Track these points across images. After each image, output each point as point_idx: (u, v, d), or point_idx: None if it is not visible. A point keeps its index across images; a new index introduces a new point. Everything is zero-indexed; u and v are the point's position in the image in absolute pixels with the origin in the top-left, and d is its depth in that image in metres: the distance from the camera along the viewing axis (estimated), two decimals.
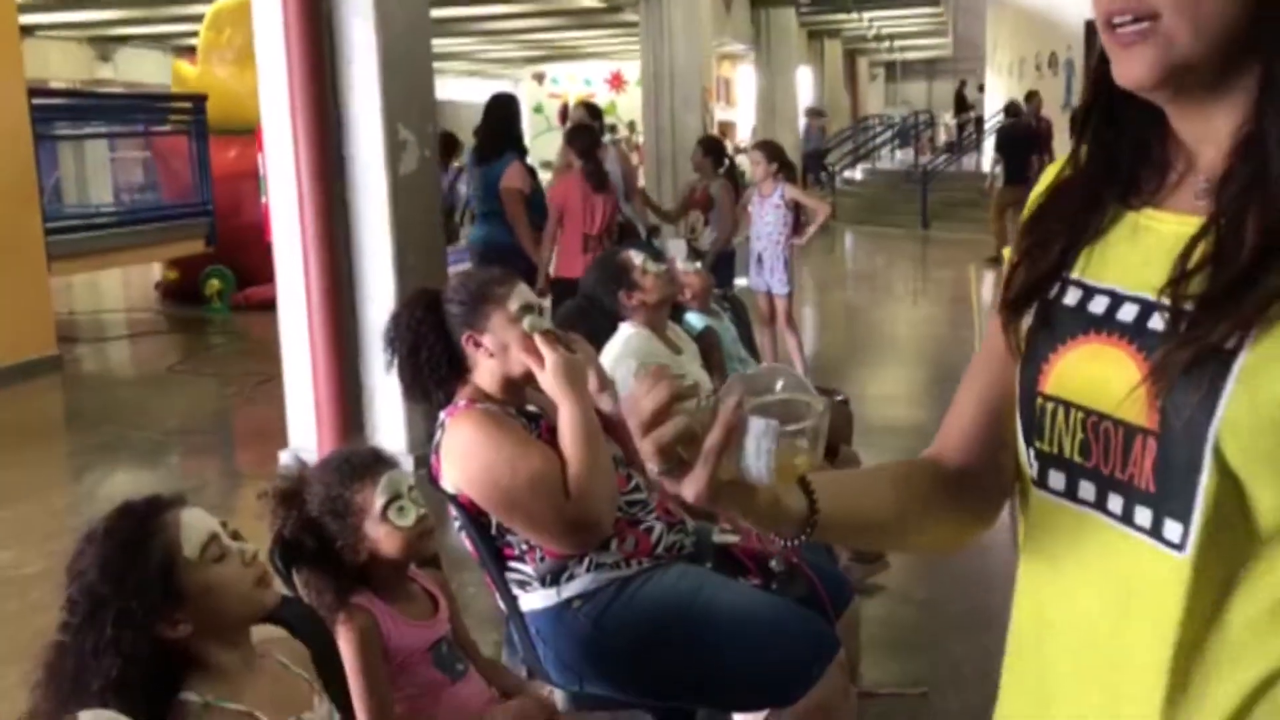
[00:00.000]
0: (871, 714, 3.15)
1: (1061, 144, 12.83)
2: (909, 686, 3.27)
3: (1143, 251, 0.88)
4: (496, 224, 6.51)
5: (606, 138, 7.92)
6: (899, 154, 22.85)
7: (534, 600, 2.24)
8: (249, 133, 9.24)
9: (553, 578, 2.21)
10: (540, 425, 2.27)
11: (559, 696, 2.23)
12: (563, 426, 2.18)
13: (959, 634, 3.61)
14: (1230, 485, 0.82)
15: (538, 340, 2.21)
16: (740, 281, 7.31)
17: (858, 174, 21.52)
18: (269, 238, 5.52)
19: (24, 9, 8.58)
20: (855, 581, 3.27)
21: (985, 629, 3.36)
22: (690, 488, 0.85)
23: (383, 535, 1.94)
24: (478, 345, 2.25)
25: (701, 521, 2.49)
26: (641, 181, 9.19)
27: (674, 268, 3.61)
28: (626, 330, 3.26)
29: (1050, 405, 0.91)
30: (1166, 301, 0.84)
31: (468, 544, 2.32)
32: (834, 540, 1.10)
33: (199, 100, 10.63)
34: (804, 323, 10.71)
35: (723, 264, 7.13)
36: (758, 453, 0.83)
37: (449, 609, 2.06)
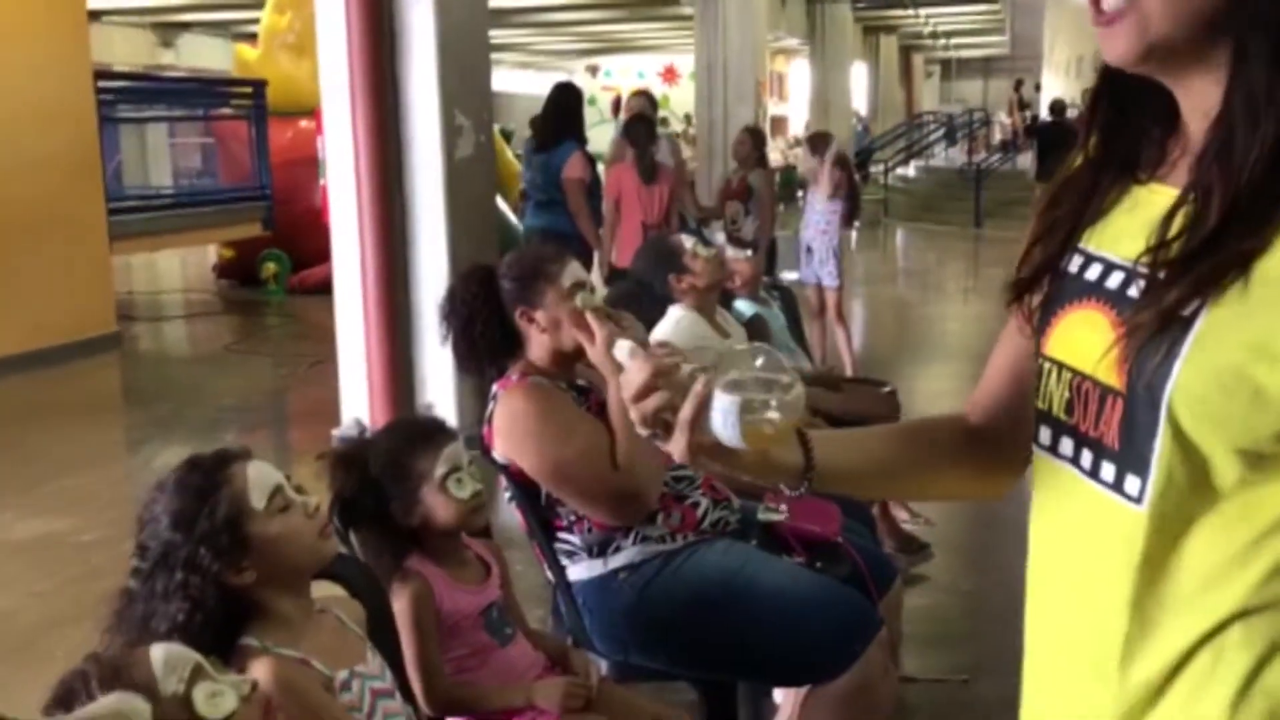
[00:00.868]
0: (912, 699, 3.17)
1: None
2: (950, 674, 3.29)
3: (1138, 222, 0.92)
4: (558, 212, 6.53)
5: (660, 130, 7.97)
6: (952, 152, 22.70)
7: (581, 570, 2.29)
8: (308, 115, 9.38)
9: (599, 549, 2.26)
10: (590, 399, 2.32)
11: (603, 666, 2.28)
12: (612, 400, 2.23)
13: (1001, 624, 3.58)
14: (1183, 446, 0.87)
15: (589, 316, 2.26)
16: (790, 275, 7.32)
17: (910, 171, 21.41)
18: (326, 218, 5.61)
19: None
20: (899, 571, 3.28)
21: None
22: (674, 449, 0.98)
23: (439, 504, 1.99)
24: (530, 320, 2.31)
25: (747, 499, 2.53)
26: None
27: (724, 254, 3.64)
28: (676, 313, 3.30)
29: (1048, 365, 0.97)
30: (1143, 269, 0.88)
31: (517, 514, 2.37)
32: (845, 490, 1.15)
33: (259, 85, 10.80)
34: (855, 317, 10.70)
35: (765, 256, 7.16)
36: (724, 423, 0.95)
37: (500, 576, 2.12)
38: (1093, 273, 0.95)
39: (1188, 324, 0.85)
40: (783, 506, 2.49)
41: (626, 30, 22.80)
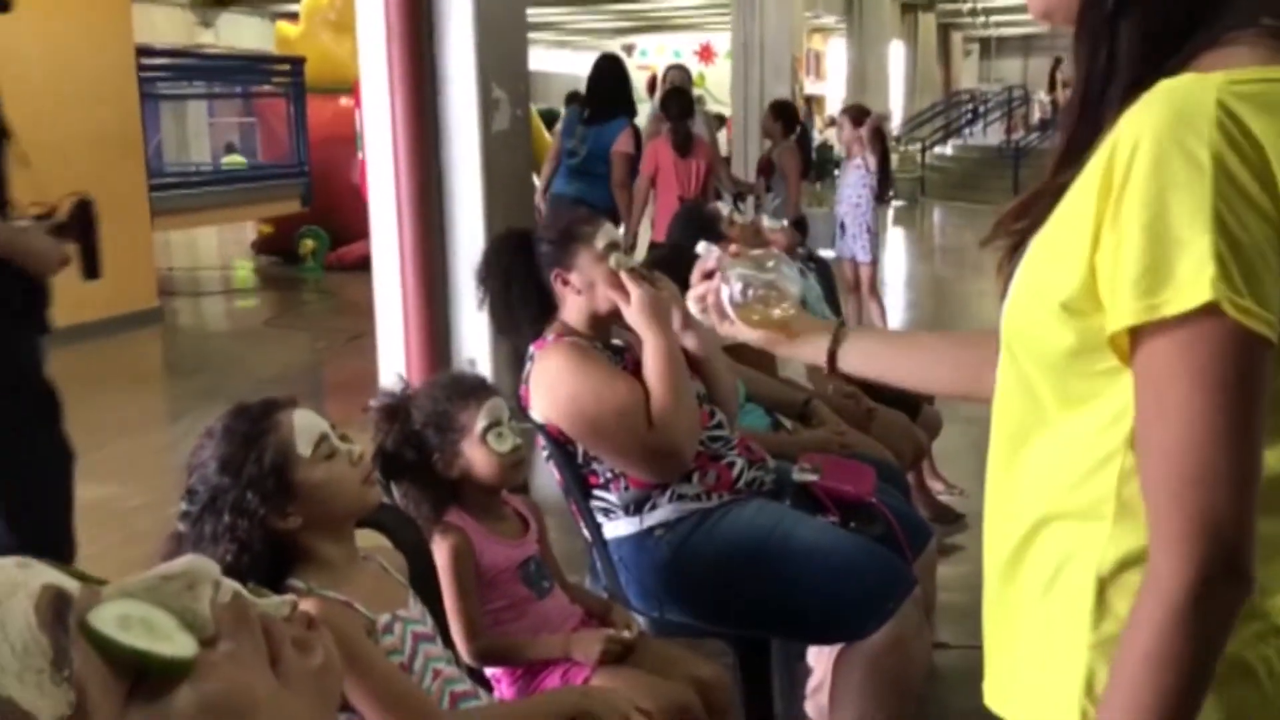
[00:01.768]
0: (945, 665, 3.18)
1: None
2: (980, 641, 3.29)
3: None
4: (593, 183, 6.47)
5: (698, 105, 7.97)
6: (991, 130, 22.50)
7: (617, 528, 2.32)
8: (348, 92, 9.44)
9: (636, 506, 2.29)
10: (625, 358, 2.35)
11: (640, 622, 2.30)
12: (647, 358, 2.25)
13: None
14: (1013, 363, 1.06)
15: (624, 276, 2.28)
16: (827, 252, 7.32)
17: (948, 149, 21.24)
18: (364, 195, 5.66)
19: None
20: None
21: None
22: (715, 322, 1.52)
23: (479, 457, 2.03)
24: (566, 283, 2.33)
25: (782, 461, 2.55)
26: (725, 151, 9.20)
27: (760, 223, 3.65)
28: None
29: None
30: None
31: (554, 475, 2.40)
32: (872, 370, 1.44)
33: (297, 63, 10.87)
34: (893, 293, 10.67)
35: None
36: (729, 300, 1.45)
37: (538, 531, 2.15)
38: None
39: (1023, 254, 1.04)
40: (816, 466, 2.51)
41: (663, 8, 22.73)
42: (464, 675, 1.79)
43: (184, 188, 10.34)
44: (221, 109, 13.38)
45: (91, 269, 2.88)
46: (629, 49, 28.87)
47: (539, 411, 2.29)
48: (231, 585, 0.65)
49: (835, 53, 24.74)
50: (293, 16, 12.68)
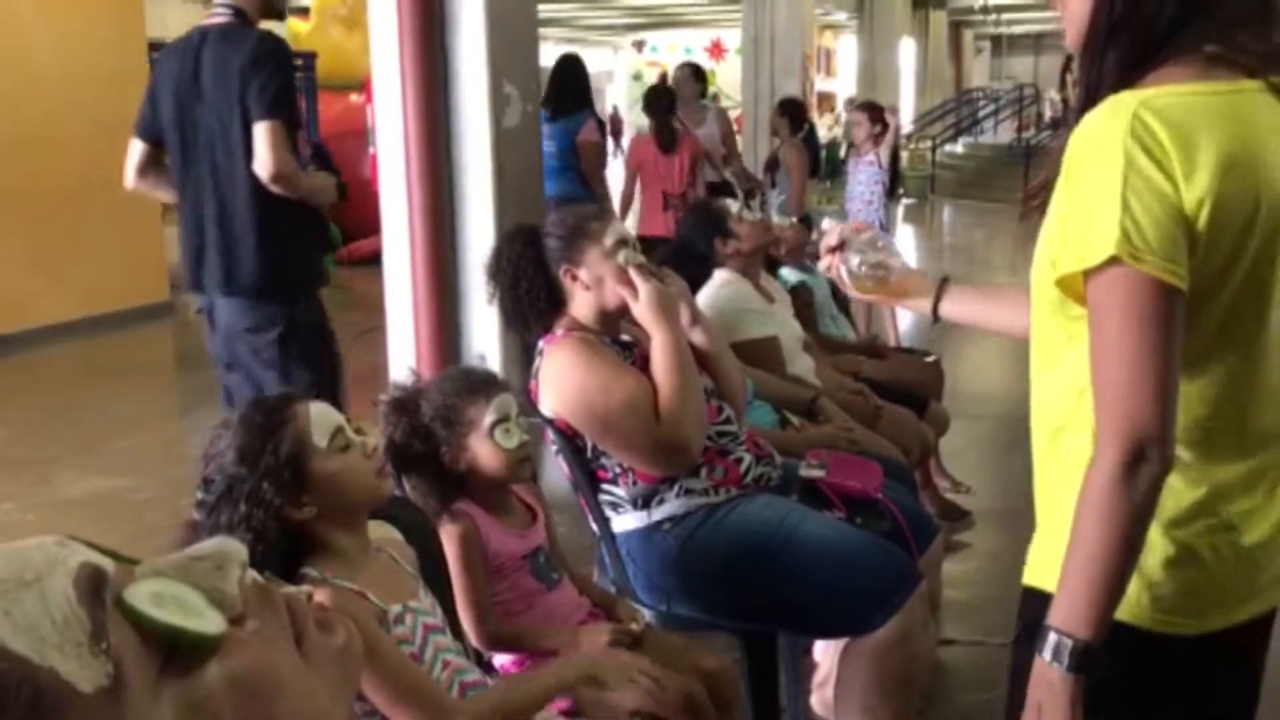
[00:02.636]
0: (951, 661, 3.20)
1: None
2: (989, 636, 3.32)
3: None
4: (572, 179, 6.56)
5: (708, 101, 8.01)
6: (1001, 129, 22.46)
7: (625, 522, 2.34)
8: (358, 88, 9.46)
9: (644, 501, 2.31)
10: (634, 353, 2.37)
11: (647, 616, 2.33)
12: (655, 354, 2.27)
13: None
14: (1034, 305, 1.39)
15: (632, 272, 2.30)
16: None
17: (959, 148, 21.21)
18: (376, 190, 5.69)
19: None
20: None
21: None
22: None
23: (485, 452, 2.05)
24: (574, 278, 2.34)
25: (790, 457, 2.57)
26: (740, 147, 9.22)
27: (769, 219, 3.67)
28: (721, 276, 3.33)
29: None
30: None
31: (563, 469, 2.42)
32: (972, 318, 1.77)
33: (308, 58, 10.88)
34: None
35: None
36: (848, 273, 1.75)
37: (546, 522, 2.17)
38: None
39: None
40: (823, 463, 2.53)
41: (673, 5, 22.73)
42: (473, 665, 1.82)
43: None
44: None
45: (342, 191, 3.69)
46: (640, 45, 28.91)
47: (548, 406, 2.31)
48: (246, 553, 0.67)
49: (846, 49, 24.71)
50: (304, 12, 12.71)
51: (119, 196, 8.34)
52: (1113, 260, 1.20)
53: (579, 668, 1.80)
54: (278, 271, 3.28)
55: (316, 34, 11.50)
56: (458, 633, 1.93)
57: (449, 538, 1.96)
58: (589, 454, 2.32)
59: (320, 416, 1.59)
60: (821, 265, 1.81)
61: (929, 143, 20.62)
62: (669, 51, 28.18)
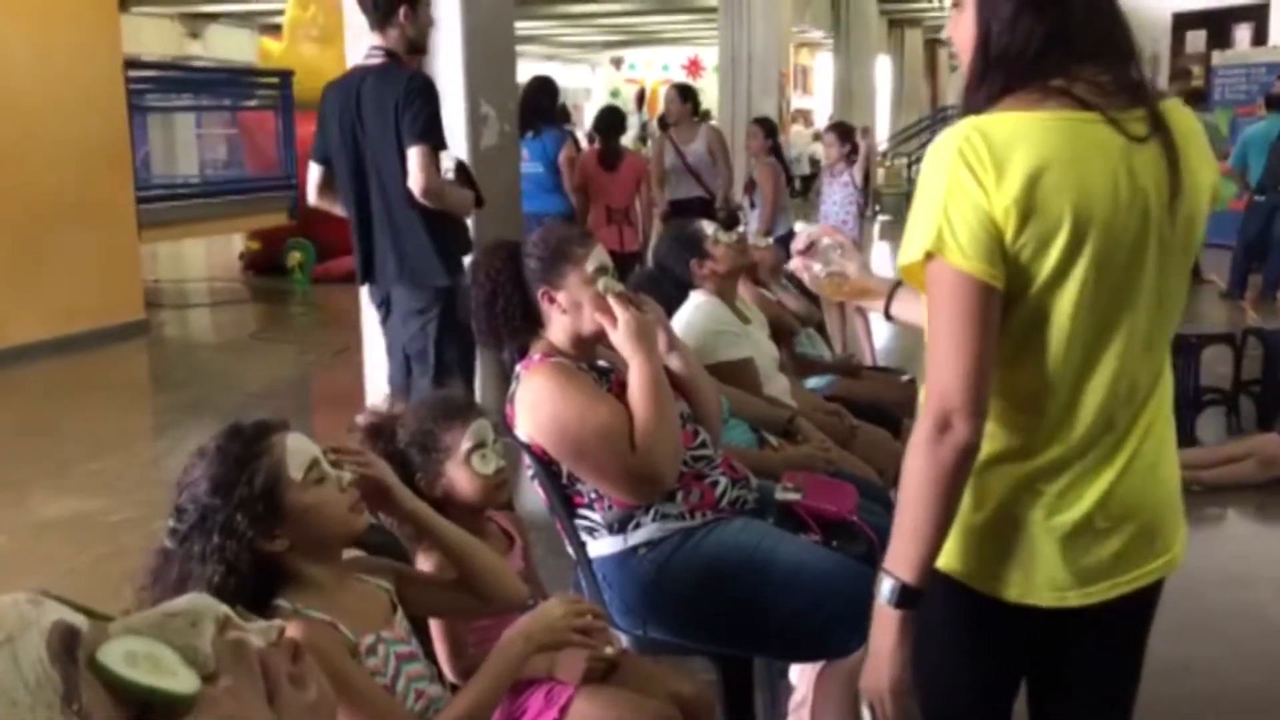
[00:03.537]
0: None
1: None
2: None
3: None
4: (547, 196, 6.64)
5: (702, 121, 8.23)
6: None
7: (601, 547, 2.34)
8: None
9: (620, 525, 2.31)
10: (611, 380, 2.37)
11: (623, 641, 2.32)
12: (632, 383, 2.27)
13: None
14: None
15: (611, 300, 2.30)
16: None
17: None
18: None
19: None
20: None
21: None
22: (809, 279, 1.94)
23: (462, 478, 2.05)
24: (552, 300, 2.34)
25: (765, 480, 2.57)
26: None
27: (746, 241, 3.68)
28: (697, 298, 3.34)
29: None
30: None
31: (539, 493, 2.42)
32: (914, 316, 1.77)
33: (285, 75, 10.88)
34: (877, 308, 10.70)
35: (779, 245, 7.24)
36: (815, 276, 1.93)
37: (523, 548, 2.17)
38: None
39: None
40: (799, 485, 2.54)
41: (651, 23, 22.80)
42: (447, 691, 1.81)
43: (171, 199, 10.33)
44: (210, 119, 13.33)
45: (479, 202, 4.26)
46: (618, 62, 28.98)
47: (523, 431, 2.31)
48: (222, 609, 0.67)
49: (822, 67, 24.85)
50: (277, 30, 12.72)
51: (95, 214, 8.34)
52: (929, 256, 1.41)
53: (516, 651, 1.76)
54: (436, 263, 4.05)
55: (289, 54, 11.48)
56: (433, 657, 1.92)
57: (424, 562, 1.96)
58: (565, 479, 2.32)
59: (297, 448, 1.58)
60: (792, 264, 1.95)
61: (905, 159, 20.74)
62: (646, 69, 28.28)
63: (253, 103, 11.72)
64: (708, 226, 3.41)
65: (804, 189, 17.98)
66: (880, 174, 19.84)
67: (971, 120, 1.42)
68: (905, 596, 1.46)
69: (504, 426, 2.36)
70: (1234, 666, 3.20)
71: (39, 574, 4.14)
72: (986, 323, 1.40)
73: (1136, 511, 1.52)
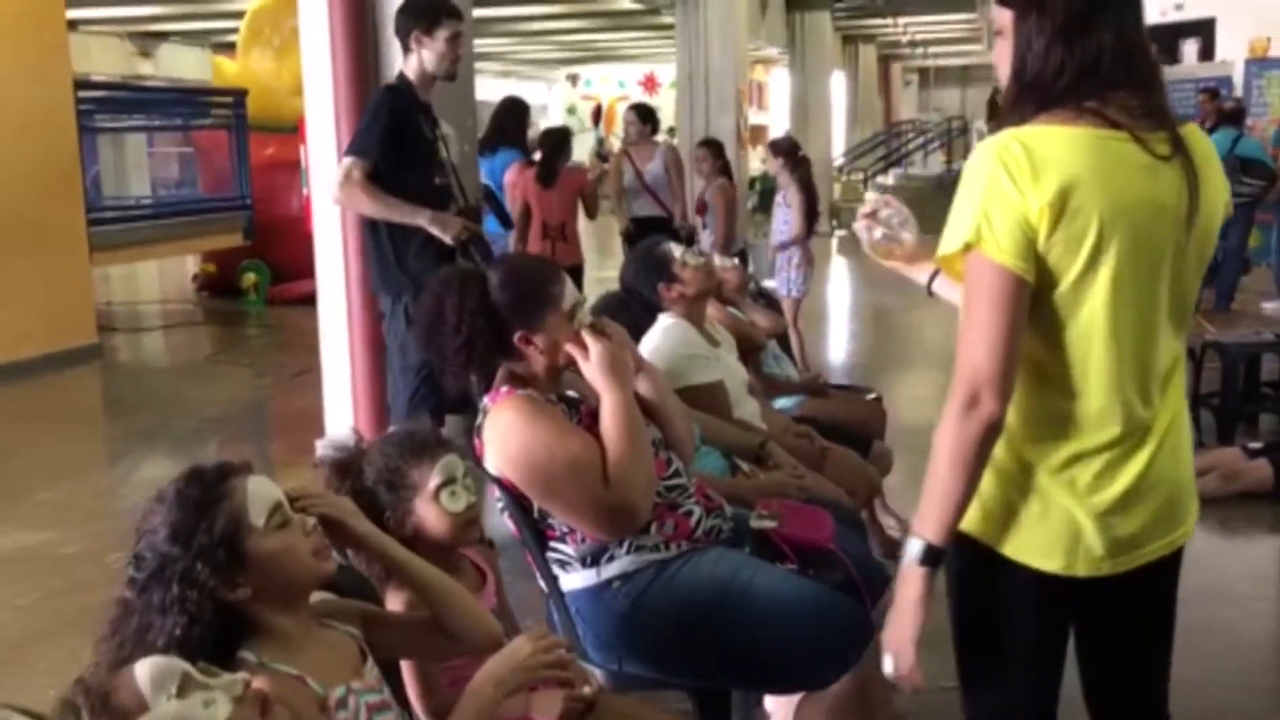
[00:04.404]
0: (903, 705, 3.16)
1: None
2: (944, 681, 3.29)
3: None
4: (490, 217, 6.70)
5: (661, 138, 8.34)
6: (930, 160, 22.80)
7: (574, 580, 2.28)
8: (288, 130, 9.36)
9: (593, 559, 2.25)
10: (580, 411, 2.31)
11: (598, 675, 2.27)
12: (605, 416, 2.22)
13: None
14: None
15: (585, 334, 2.25)
16: (769, 283, 7.38)
17: (889, 179, 21.47)
18: (310, 228, 5.59)
19: (69, 3, 8.70)
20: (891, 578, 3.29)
21: None
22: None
23: (432, 516, 1.98)
24: (529, 343, 2.27)
25: (739, 508, 2.53)
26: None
27: (712, 262, 3.64)
28: (665, 321, 3.30)
29: None
30: None
31: (510, 525, 2.36)
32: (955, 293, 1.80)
33: (239, 95, 10.76)
34: (837, 323, 10.73)
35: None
36: (874, 241, 2.03)
37: (495, 584, 2.11)
38: None
39: None
40: (774, 513, 2.49)
41: (607, 40, 22.82)
42: None
43: (124, 221, 10.17)
44: (163, 140, 13.15)
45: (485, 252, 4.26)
46: (574, 79, 28.96)
47: (492, 464, 2.24)
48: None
49: (778, 83, 24.97)
50: (233, 48, 12.57)
51: (45, 236, 8.18)
52: (968, 247, 1.58)
53: (486, 696, 1.70)
54: (376, 273, 4.34)
55: (244, 73, 11.36)
56: (405, 701, 1.86)
57: (394, 606, 1.89)
58: (535, 513, 2.26)
59: (257, 493, 1.52)
60: (857, 225, 2.05)
61: (861, 175, 20.86)
62: (603, 85, 28.28)
63: (206, 122, 11.57)
64: (675, 249, 3.37)
65: (761, 204, 18.02)
66: (836, 189, 19.94)
67: (1011, 131, 1.60)
68: (930, 556, 1.63)
69: (473, 459, 2.29)
70: (1207, 683, 3.18)
71: None
72: (1016, 311, 1.56)
73: (1163, 488, 1.69)
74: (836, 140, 22.23)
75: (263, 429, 7.10)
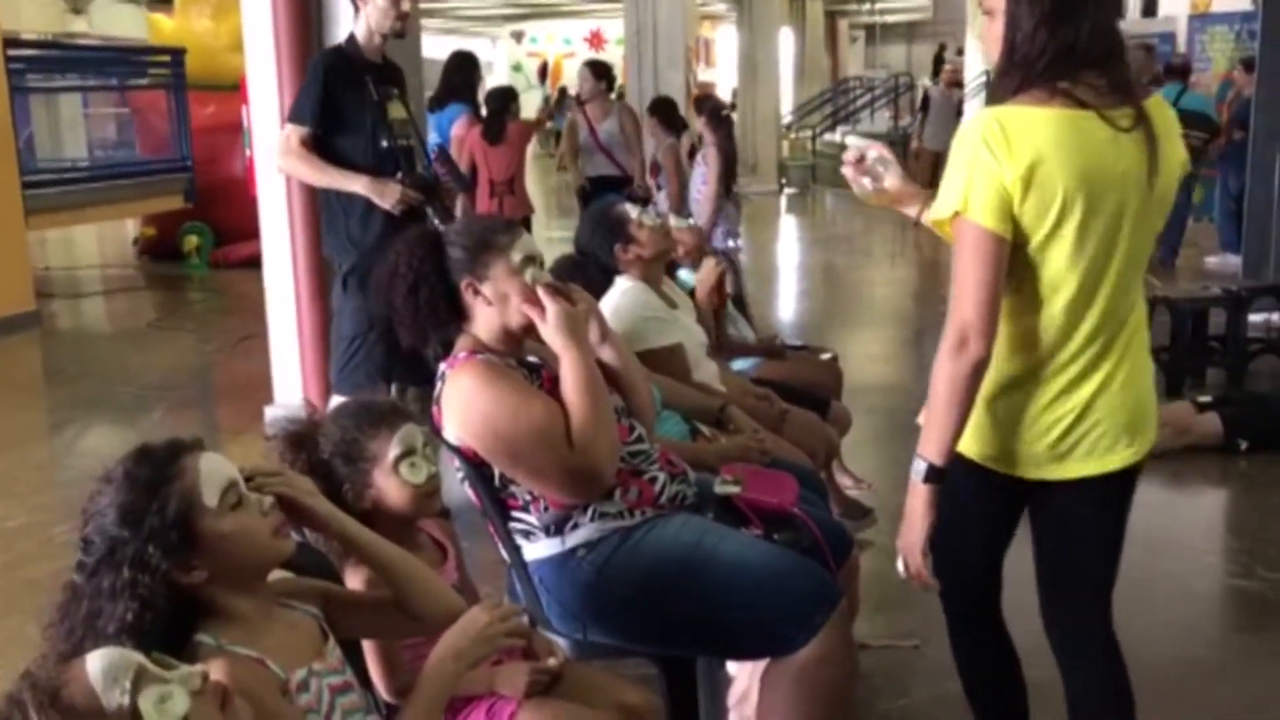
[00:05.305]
0: (864, 665, 3.16)
1: None
2: (901, 639, 3.30)
3: None
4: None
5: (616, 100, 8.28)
6: (878, 117, 22.75)
7: (538, 550, 2.24)
8: (228, 89, 9.14)
9: (556, 527, 2.21)
10: (542, 375, 2.26)
11: (562, 645, 2.23)
12: (565, 377, 2.17)
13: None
14: None
15: (540, 292, 2.20)
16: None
17: (837, 136, 21.43)
18: (254, 190, 5.47)
19: None
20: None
21: None
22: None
23: (391, 488, 1.93)
24: (476, 293, 2.23)
25: (703, 473, 2.50)
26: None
27: (669, 223, 3.59)
28: (623, 284, 3.25)
29: None
30: None
31: (471, 495, 2.31)
32: None
33: (178, 54, 10.50)
34: (786, 281, 10.72)
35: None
36: (862, 188, 2.15)
37: (456, 558, 2.06)
38: None
39: None
40: (738, 478, 2.47)
41: None
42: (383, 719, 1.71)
43: (59, 185, 9.89)
44: (99, 100, 12.79)
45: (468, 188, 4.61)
46: (519, 35, 28.61)
47: (452, 434, 2.19)
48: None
49: (725, 39, 24.81)
50: (168, 3, 12.23)
51: None
52: (957, 214, 1.84)
53: (447, 670, 1.65)
54: (325, 235, 4.34)
55: (181, 30, 11.07)
56: (368, 680, 1.81)
57: (354, 580, 1.84)
58: (498, 481, 2.22)
59: (210, 472, 1.45)
60: (845, 172, 2.16)
61: (809, 132, 20.80)
62: (548, 42, 27.99)
63: (143, 81, 11.27)
64: (631, 209, 3.32)
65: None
66: (785, 146, 19.88)
67: (992, 110, 1.85)
68: (933, 473, 1.91)
69: (432, 428, 2.24)
70: (1154, 635, 3.22)
71: None
72: (998, 266, 1.83)
73: (1114, 412, 1.95)
74: (785, 97, 22.14)
75: (209, 396, 6.97)
